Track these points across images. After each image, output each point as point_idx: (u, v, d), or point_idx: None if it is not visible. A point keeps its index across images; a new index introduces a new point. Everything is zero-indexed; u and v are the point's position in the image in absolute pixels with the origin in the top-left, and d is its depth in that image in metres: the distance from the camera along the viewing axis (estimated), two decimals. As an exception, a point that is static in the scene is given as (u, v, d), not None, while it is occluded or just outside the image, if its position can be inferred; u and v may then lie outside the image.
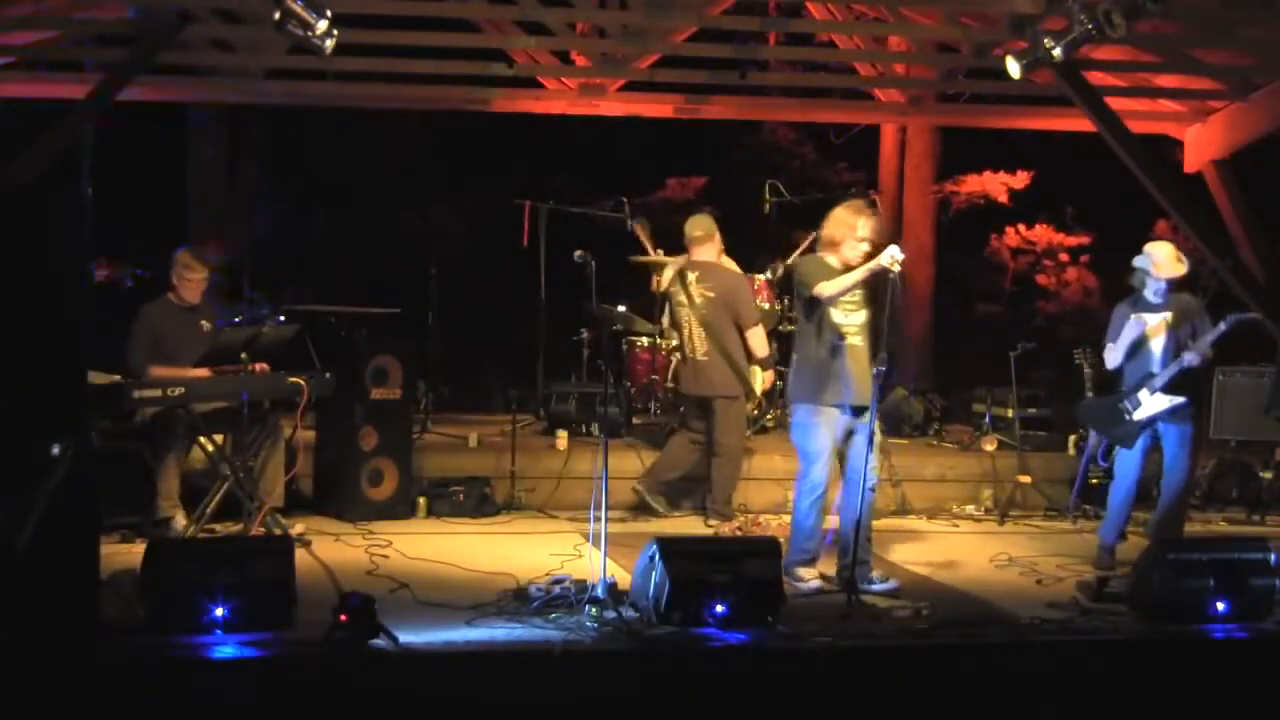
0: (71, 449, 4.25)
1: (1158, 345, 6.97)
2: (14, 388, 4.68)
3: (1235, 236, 9.37)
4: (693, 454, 8.27)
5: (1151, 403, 6.92)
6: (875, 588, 6.28)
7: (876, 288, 6.33)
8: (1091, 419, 7.43)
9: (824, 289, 6.24)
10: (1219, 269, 9.05)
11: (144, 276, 10.10)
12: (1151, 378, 6.94)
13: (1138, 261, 7.09)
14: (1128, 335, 7.00)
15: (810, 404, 6.38)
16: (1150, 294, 7.03)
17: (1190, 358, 6.79)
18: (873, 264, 6.14)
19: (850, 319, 6.37)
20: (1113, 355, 7.11)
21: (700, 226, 8.38)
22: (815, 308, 6.34)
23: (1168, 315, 6.97)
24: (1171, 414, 6.91)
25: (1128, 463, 7.06)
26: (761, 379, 8.46)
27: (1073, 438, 8.98)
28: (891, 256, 6.02)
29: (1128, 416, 6.99)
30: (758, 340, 8.17)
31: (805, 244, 9.67)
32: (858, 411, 6.32)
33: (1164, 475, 7.12)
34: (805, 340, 6.45)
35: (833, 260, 6.39)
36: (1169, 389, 6.87)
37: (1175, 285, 7.06)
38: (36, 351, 4.67)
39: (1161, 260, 6.99)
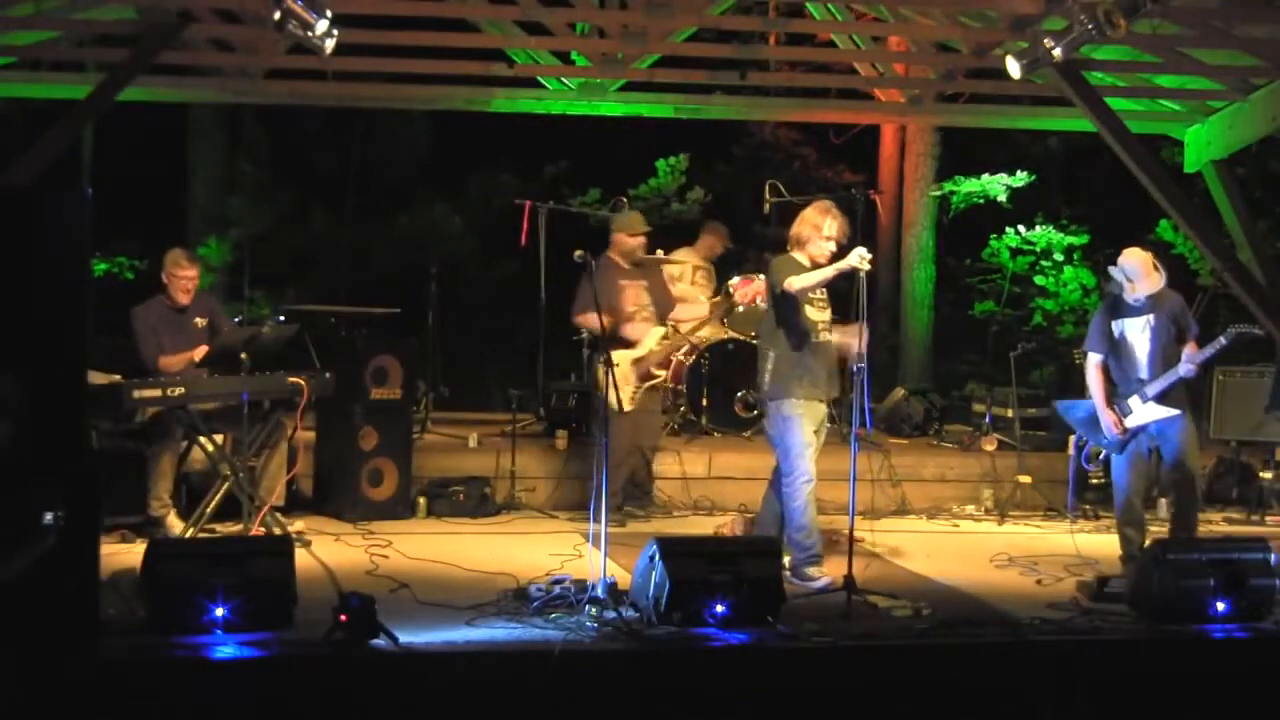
0: (64, 519, 4.26)
1: (1143, 350, 6.83)
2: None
3: (1235, 236, 9.39)
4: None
5: (1143, 412, 6.78)
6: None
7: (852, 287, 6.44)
8: (1076, 421, 7.25)
9: (791, 283, 6.39)
10: (1218, 269, 9.07)
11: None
12: (1142, 384, 6.81)
13: (1114, 272, 6.92)
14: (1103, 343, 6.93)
15: (791, 398, 6.48)
16: (1129, 298, 6.85)
17: (1187, 369, 6.67)
18: (841, 263, 6.30)
19: (821, 315, 6.57)
20: (1089, 366, 6.99)
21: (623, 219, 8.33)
22: (786, 305, 6.49)
23: (1150, 317, 6.81)
24: (1166, 422, 6.82)
25: (1124, 473, 6.92)
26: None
27: (1072, 437, 8.97)
28: (860, 255, 6.17)
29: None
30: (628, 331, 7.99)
31: None
32: (827, 406, 6.67)
33: (1167, 477, 7.06)
34: (778, 337, 6.55)
35: (801, 258, 6.56)
36: (1162, 399, 6.76)
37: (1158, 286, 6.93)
38: (36, 352, 4.66)
39: (1136, 274, 6.78)
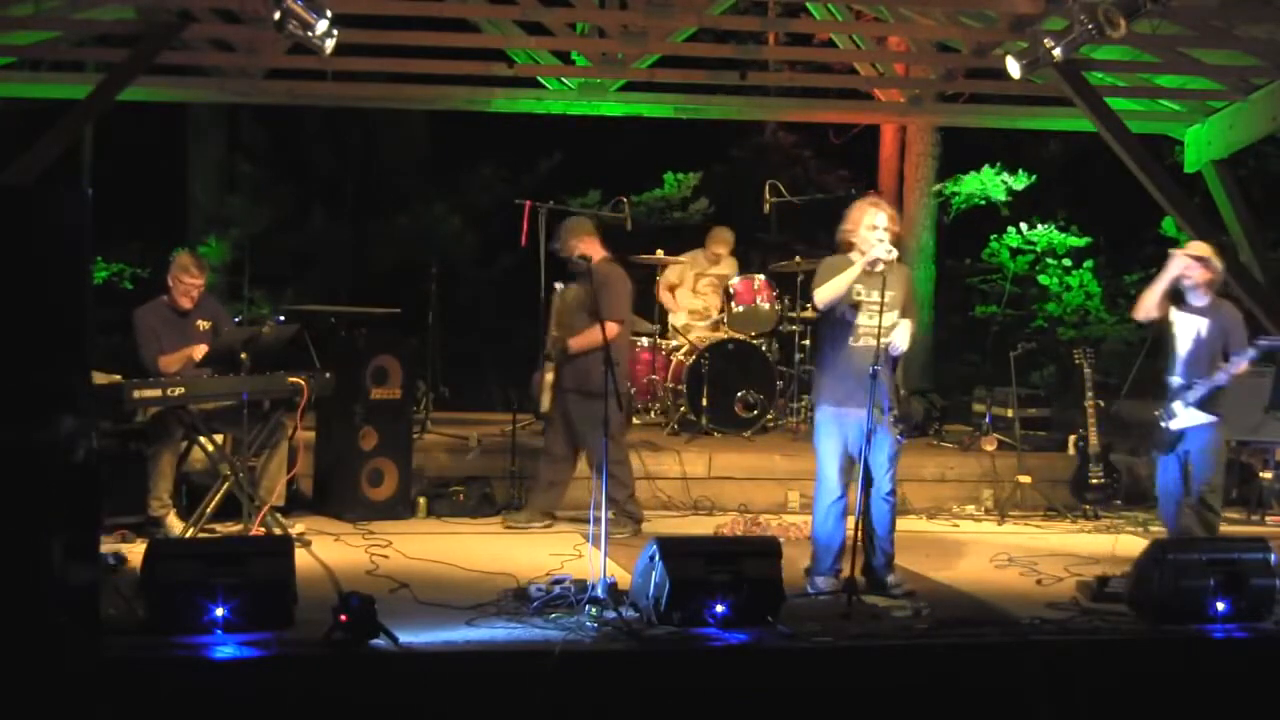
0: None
1: (1183, 349, 6.86)
2: (14, 388, 4.67)
3: (1235, 236, 9.39)
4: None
5: (1185, 416, 6.81)
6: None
7: (905, 291, 6.30)
8: (1134, 424, 7.29)
9: (818, 297, 6.21)
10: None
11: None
12: (1184, 389, 6.82)
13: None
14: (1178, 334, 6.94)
15: (822, 405, 6.34)
16: (1192, 297, 6.86)
17: (1223, 378, 6.71)
18: (866, 257, 6.12)
19: (874, 319, 6.12)
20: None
21: None
22: (824, 313, 6.32)
23: (1204, 323, 6.83)
24: (1200, 427, 6.84)
25: (1170, 472, 6.93)
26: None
27: (1072, 438, 8.98)
28: (887, 248, 6.11)
29: (1164, 424, 6.89)
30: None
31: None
32: (879, 415, 6.19)
33: (1195, 487, 6.97)
34: (821, 341, 6.45)
35: (855, 257, 6.25)
36: (1202, 405, 6.77)
37: (1216, 291, 6.92)
38: (36, 352, 4.67)
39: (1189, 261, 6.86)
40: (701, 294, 10.48)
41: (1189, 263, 6.82)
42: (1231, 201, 9.34)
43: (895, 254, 6.14)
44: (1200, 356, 6.82)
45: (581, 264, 7.66)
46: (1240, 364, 6.72)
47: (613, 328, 7.50)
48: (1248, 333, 6.87)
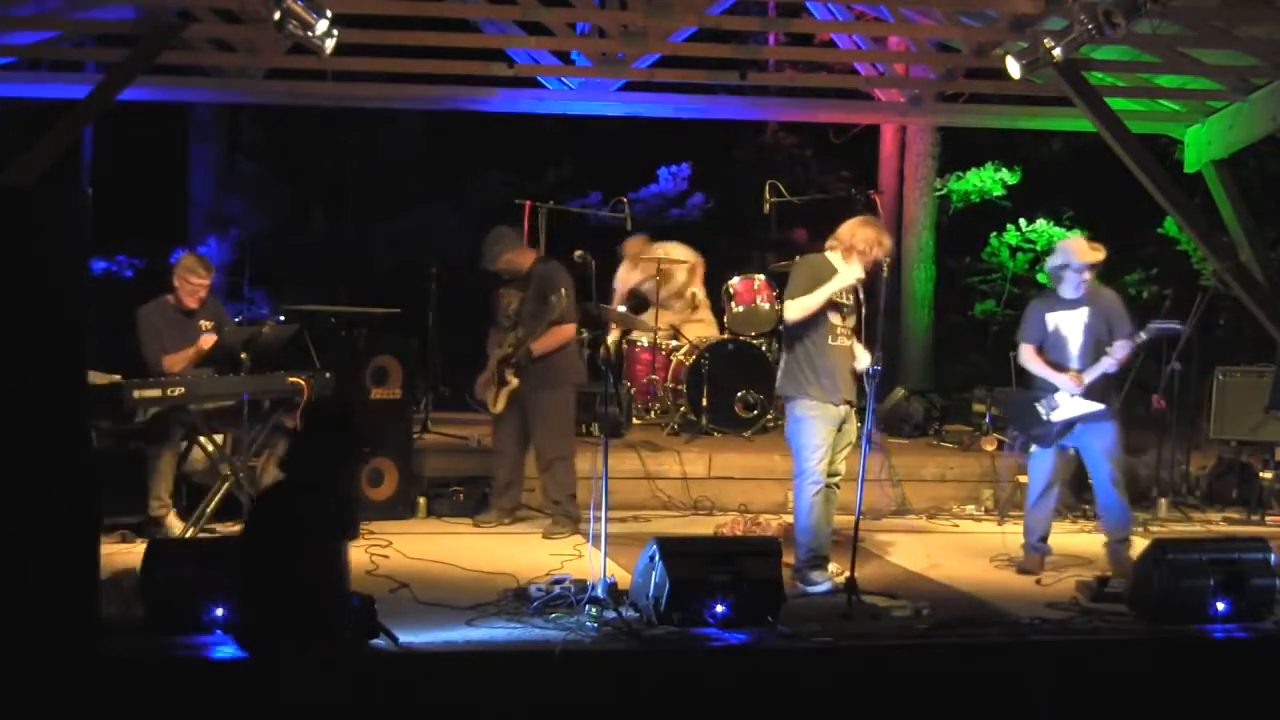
0: None
1: (1075, 345, 6.90)
2: (13, 388, 4.67)
3: (1235, 237, 9.38)
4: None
5: (1070, 406, 6.85)
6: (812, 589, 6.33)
7: (874, 291, 6.52)
8: (1010, 414, 7.37)
9: (795, 310, 6.39)
10: (1219, 270, 9.06)
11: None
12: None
13: (1052, 261, 7.08)
14: (1036, 334, 7.04)
15: (807, 399, 6.44)
16: (1068, 291, 6.94)
17: (1111, 365, 6.75)
18: (844, 279, 6.37)
19: (847, 321, 6.51)
20: (1023, 354, 7.10)
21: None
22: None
23: (1084, 312, 6.89)
24: (1091, 417, 6.87)
25: (1040, 466, 7.04)
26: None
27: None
28: (858, 275, 6.39)
29: (1045, 416, 6.91)
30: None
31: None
32: (847, 408, 6.52)
33: (1093, 480, 7.06)
34: (796, 338, 6.52)
35: (835, 259, 6.48)
36: (1089, 394, 6.82)
37: (1094, 280, 6.95)
38: (36, 352, 4.67)
39: (1077, 248, 6.94)
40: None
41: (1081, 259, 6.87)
42: (1231, 201, 9.33)
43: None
44: (1089, 346, 6.87)
45: (515, 272, 7.93)
46: (1128, 349, 6.74)
47: (570, 328, 7.74)
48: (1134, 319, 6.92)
